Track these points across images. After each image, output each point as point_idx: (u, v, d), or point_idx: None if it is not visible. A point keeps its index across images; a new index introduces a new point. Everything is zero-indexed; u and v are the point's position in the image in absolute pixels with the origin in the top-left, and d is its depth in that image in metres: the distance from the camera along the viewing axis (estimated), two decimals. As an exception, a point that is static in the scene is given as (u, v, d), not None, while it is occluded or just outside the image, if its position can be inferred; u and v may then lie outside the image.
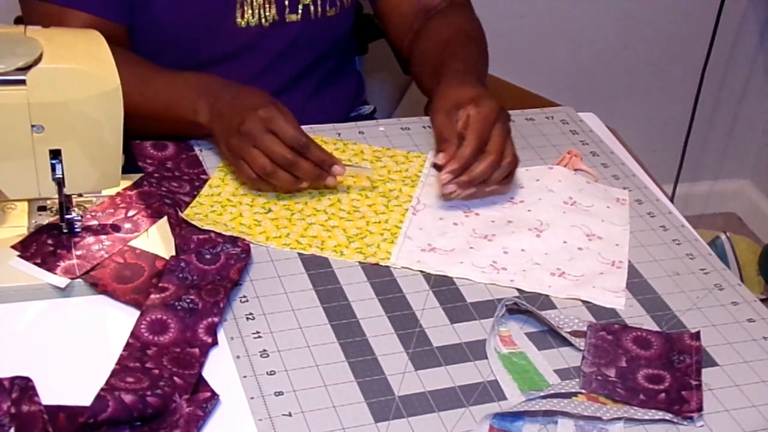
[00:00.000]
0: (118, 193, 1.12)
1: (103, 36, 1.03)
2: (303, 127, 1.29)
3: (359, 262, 1.09)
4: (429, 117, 1.20)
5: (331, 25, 1.38)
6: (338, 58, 1.45)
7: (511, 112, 1.28)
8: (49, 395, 0.87)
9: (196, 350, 0.95)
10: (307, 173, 1.14)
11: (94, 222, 1.08)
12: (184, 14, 1.29)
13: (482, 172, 1.13)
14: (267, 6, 1.32)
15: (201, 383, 0.92)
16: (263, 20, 1.33)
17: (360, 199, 1.18)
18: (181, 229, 1.09)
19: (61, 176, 1.00)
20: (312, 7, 1.35)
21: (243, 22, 1.32)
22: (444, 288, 1.07)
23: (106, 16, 1.26)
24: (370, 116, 1.53)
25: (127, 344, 0.94)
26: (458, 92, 1.18)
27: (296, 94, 1.39)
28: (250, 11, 1.32)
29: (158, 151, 1.22)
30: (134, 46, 1.31)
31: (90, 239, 1.06)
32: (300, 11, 1.34)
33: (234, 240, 1.08)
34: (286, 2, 1.33)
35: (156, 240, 1.07)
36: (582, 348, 1.00)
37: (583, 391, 0.95)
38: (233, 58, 1.34)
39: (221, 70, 1.27)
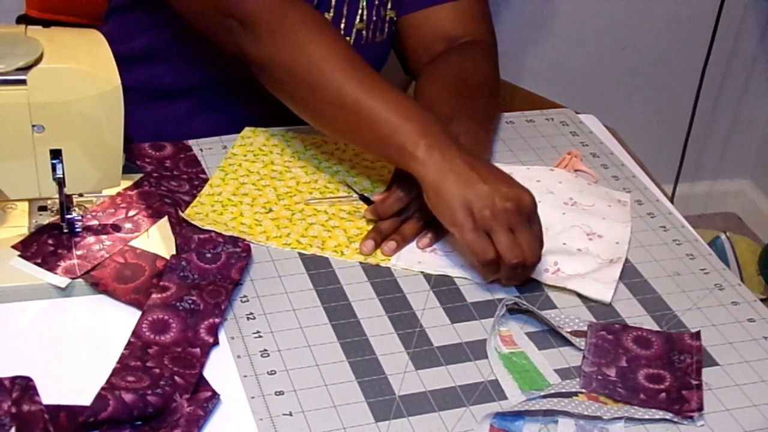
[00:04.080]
0: (119, 193, 1.12)
1: None
2: (303, 126, 1.30)
3: (360, 263, 1.09)
4: None
5: (378, 50, 1.38)
6: None
7: (511, 113, 1.28)
8: (50, 395, 0.87)
9: (197, 350, 0.95)
10: (518, 279, 1.07)
11: (95, 222, 1.08)
12: None
13: (386, 227, 1.12)
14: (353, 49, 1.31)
15: (202, 383, 0.92)
16: None
17: (360, 199, 1.18)
18: (182, 228, 1.09)
19: (61, 176, 1.00)
20: (364, 32, 1.34)
21: None
22: (444, 288, 1.07)
23: None
24: None
25: (129, 343, 0.95)
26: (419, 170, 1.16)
27: None
28: None
29: (156, 152, 1.22)
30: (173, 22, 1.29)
31: (90, 239, 1.06)
32: (353, 35, 1.34)
33: (234, 240, 1.08)
34: (342, 25, 1.32)
35: (156, 240, 1.07)
36: (582, 348, 1.00)
37: (583, 390, 0.95)
38: None
39: None
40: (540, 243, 1.06)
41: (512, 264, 1.03)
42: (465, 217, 1.04)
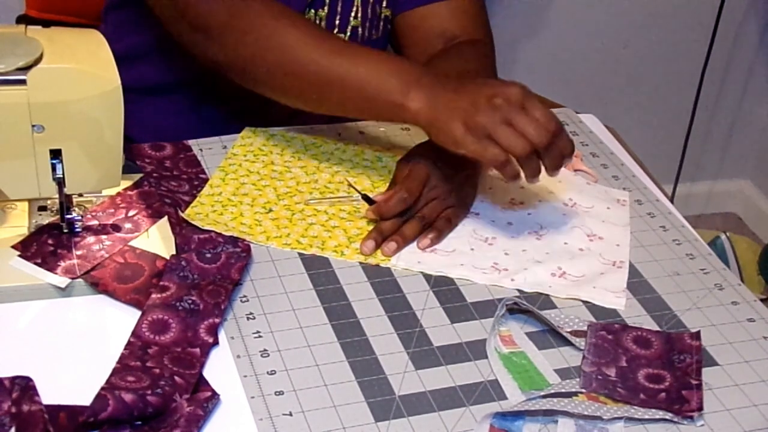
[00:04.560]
0: (119, 193, 1.12)
1: None
2: (303, 126, 1.30)
3: (360, 263, 1.09)
4: None
5: (374, 47, 1.38)
6: None
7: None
8: (50, 395, 0.87)
9: (197, 350, 0.95)
10: (554, 161, 1.07)
11: (95, 222, 1.08)
12: None
13: (387, 227, 1.12)
14: (318, 24, 1.32)
15: (201, 383, 0.92)
16: None
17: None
18: (182, 228, 1.09)
19: (61, 176, 1.00)
20: (360, 30, 1.35)
21: None
22: (444, 288, 1.07)
23: None
24: None
25: (129, 343, 0.95)
26: (421, 145, 1.18)
27: None
28: None
29: (156, 152, 1.22)
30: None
31: (90, 239, 1.06)
32: (349, 32, 1.34)
33: (234, 240, 1.08)
34: (337, 22, 1.33)
35: (156, 240, 1.07)
36: (582, 347, 1.00)
37: (583, 390, 0.95)
38: None
39: None
40: (547, 119, 1.05)
41: (523, 154, 1.04)
42: (463, 133, 1.06)
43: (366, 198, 1.15)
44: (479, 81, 1.12)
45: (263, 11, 1.17)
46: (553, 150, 1.06)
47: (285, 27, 1.16)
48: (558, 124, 1.06)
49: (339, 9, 1.32)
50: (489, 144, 1.05)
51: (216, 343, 0.97)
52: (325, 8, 1.30)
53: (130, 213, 1.10)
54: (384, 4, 1.36)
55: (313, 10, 1.31)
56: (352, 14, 1.33)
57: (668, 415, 0.92)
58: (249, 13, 1.16)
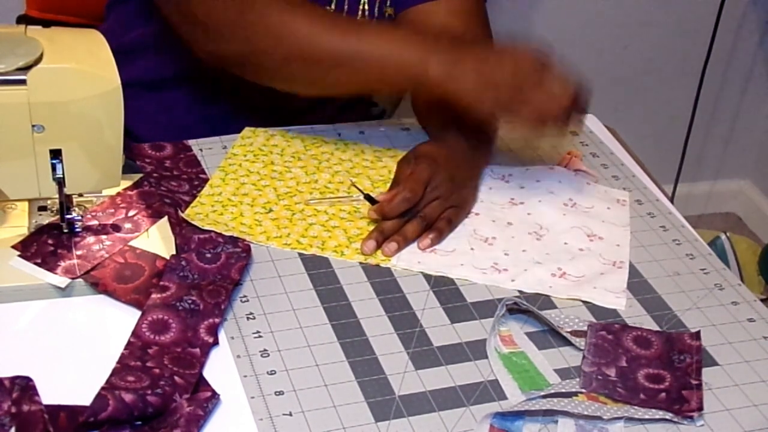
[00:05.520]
0: (119, 193, 1.12)
1: None
2: (303, 126, 1.30)
3: (360, 262, 1.09)
4: None
5: None
6: None
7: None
8: (50, 395, 0.87)
9: (197, 350, 0.95)
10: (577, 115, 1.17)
11: (95, 222, 1.08)
12: None
13: (389, 227, 1.12)
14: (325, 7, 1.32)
15: (201, 383, 0.92)
16: None
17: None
18: (182, 228, 1.09)
19: (61, 176, 1.00)
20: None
21: None
22: (444, 288, 1.07)
23: None
24: (380, 118, 1.53)
25: (129, 343, 0.95)
26: (423, 145, 1.19)
27: (331, 105, 1.41)
28: None
29: (156, 152, 1.22)
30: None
31: (90, 239, 1.06)
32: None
33: (234, 240, 1.08)
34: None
35: (156, 240, 1.07)
36: (582, 347, 1.00)
37: (583, 390, 0.95)
38: None
39: None
40: (567, 82, 1.15)
41: (556, 114, 1.13)
42: (494, 97, 1.13)
43: (368, 198, 1.15)
44: (497, 47, 1.16)
45: (271, 2, 1.17)
46: (577, 108, 1.16)
47: (294, 15, 1.17)
48: (575, 85, 1.16)
49: (345, 7, 1.32)
50: (522, 105, 1.12)
51: (216, 343, 0.97)
52: (332, 6, 1.31)
53: (130, 213, 1.10)
54: (388, 2, 1.36)
55: None
56: (359, 13, 1.33)
57: (668, 415, 0.92)
58: (257, 5, 1.17)
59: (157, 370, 0.91)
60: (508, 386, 0.95)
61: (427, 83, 1.15)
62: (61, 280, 1.01)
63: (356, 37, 1.17)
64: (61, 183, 1.01)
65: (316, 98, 1.33)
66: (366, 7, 1.33)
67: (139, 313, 0.98)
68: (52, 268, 1.02)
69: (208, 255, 1.05)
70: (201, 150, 1.24)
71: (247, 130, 1.29)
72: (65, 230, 1.06)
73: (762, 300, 1.09)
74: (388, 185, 1.20)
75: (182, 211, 1.12)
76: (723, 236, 2.31)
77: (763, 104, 2.57)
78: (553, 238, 1.15)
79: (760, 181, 2.67)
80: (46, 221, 1.07)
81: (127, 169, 1.12)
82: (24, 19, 1.53)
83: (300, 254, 1.10)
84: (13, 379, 0.88)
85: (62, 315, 1.00)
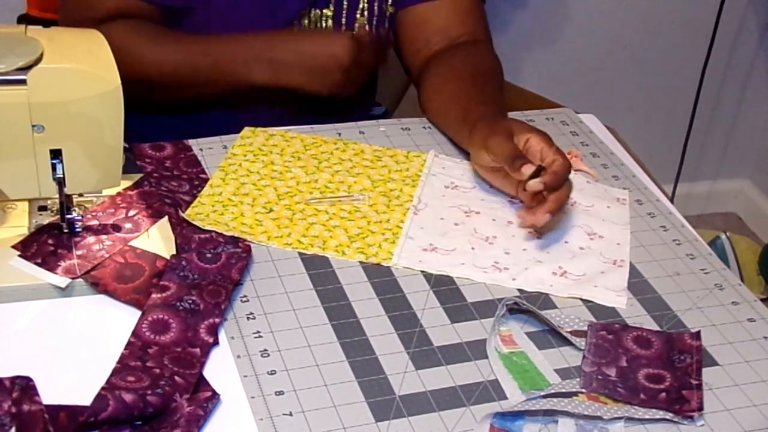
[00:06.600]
0: (119, 193, 1.12)
1: (138, 16, 1.09)
2: (303, 126, 1.30)
3: (360, 262, 1.09)
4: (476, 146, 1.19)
5: None
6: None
7: (511, 113, 1.28)
8: (50, 395, 0.87)
9: (197, 350, 0.95)
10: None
11: (95, 222, 1.08)
12: (243, 26, 1.32)
13: (565, 195, 1.11)
14: (324, 22, 1.33)
15: (202, 383, 0.92)
16: None
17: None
18: (182, 228, 1.09)
19: (61, 176, 1.00)
20: (367, 27, 1.35)
21: None
22: (444, 288, 1.07)
23: None
24: (382, 118, 1.54)
25: (129, 343, 0.95)
26: (507, 125, 1.16)
27: (331, 102, 1.41)
28: (307, 25, 1.34)
29: (156, 152, 1.22)
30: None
31: (90, 239, 1.06)
32: (356, 29, 1.35)
33: (235, 240, 1.08)
34: (343, 20, 1.33)
35: (156, 240, 1.07)
36: (582, 347, 1.00)
37: (583, 390, 0.95)
38: None
39: None
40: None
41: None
42: (323, 82, 1.29)
43: (536, 173, 1.08)
44: (311, 34, 1.30)
45: (111, 30, 1.13)
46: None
47: (131, 38, 1.25)
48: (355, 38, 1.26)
49: (345, 6, 1.32)
50: (352, 84, 1.30)
51: (216, 343, 0.97)
52: (331, 6, 1.31)
53: (131, 213, 1.10)
54: (389, 1, 1.36)
55: (318, 10, 1.31)
56: (358, 12, 1.33)
57: (668, 415, 0.92)
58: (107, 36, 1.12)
59: (157, 370, 0.91)
60: (509, 386, 0.95)
61: (259, 85, 1.27)
62: (62, 280, 1.01)
63: (185, 53, 1.29)
64: (61, 183, 1.01)
65: (316, 99, 1.34)
66: (366, 4, 1.34)
67: (139, 313, 0.98)
68: (52, 268, 1.02)
69: (209, 255, 1.05)
70: (201, 150, 1.25)
71: (247, 130, 1.29)
72: (65, 230, 1.06)
73: (762, 300, 1.09)
74: (388, 185, 1.20)
75: (182, 211, 1.12)
76: (723, 236, 2.31)
77: (763, 104, 2.57)
78: (554, 236, 1.15)
79: (760, 181, 2.67)
80: (46, 221, 1.07)
81: (127, 169, 1.12)
82: (24, 19, 1.53)
83: (300, 254, 1.10)
84: (14, 379, 0.88)
85: (62, 315, 1.00)
